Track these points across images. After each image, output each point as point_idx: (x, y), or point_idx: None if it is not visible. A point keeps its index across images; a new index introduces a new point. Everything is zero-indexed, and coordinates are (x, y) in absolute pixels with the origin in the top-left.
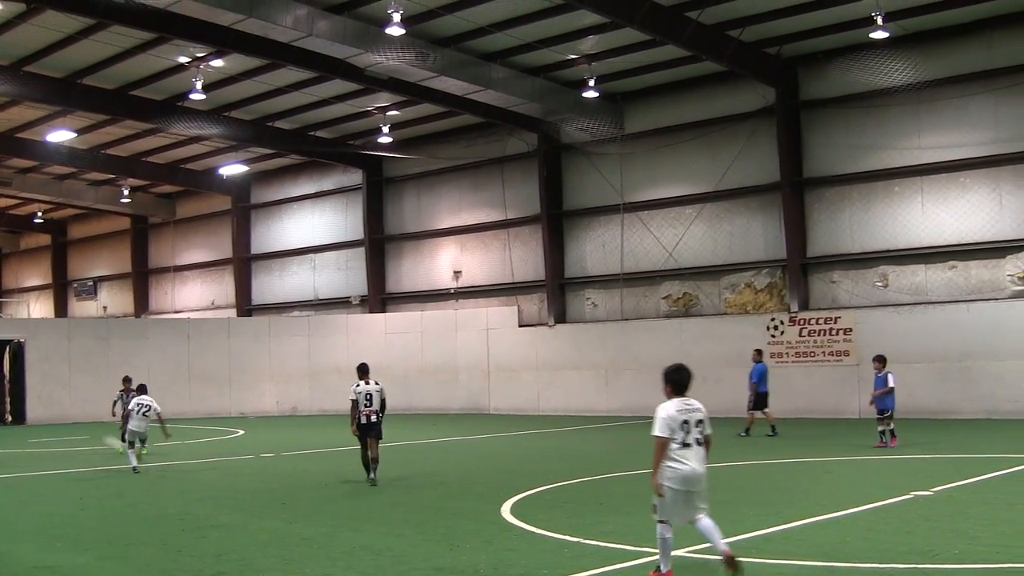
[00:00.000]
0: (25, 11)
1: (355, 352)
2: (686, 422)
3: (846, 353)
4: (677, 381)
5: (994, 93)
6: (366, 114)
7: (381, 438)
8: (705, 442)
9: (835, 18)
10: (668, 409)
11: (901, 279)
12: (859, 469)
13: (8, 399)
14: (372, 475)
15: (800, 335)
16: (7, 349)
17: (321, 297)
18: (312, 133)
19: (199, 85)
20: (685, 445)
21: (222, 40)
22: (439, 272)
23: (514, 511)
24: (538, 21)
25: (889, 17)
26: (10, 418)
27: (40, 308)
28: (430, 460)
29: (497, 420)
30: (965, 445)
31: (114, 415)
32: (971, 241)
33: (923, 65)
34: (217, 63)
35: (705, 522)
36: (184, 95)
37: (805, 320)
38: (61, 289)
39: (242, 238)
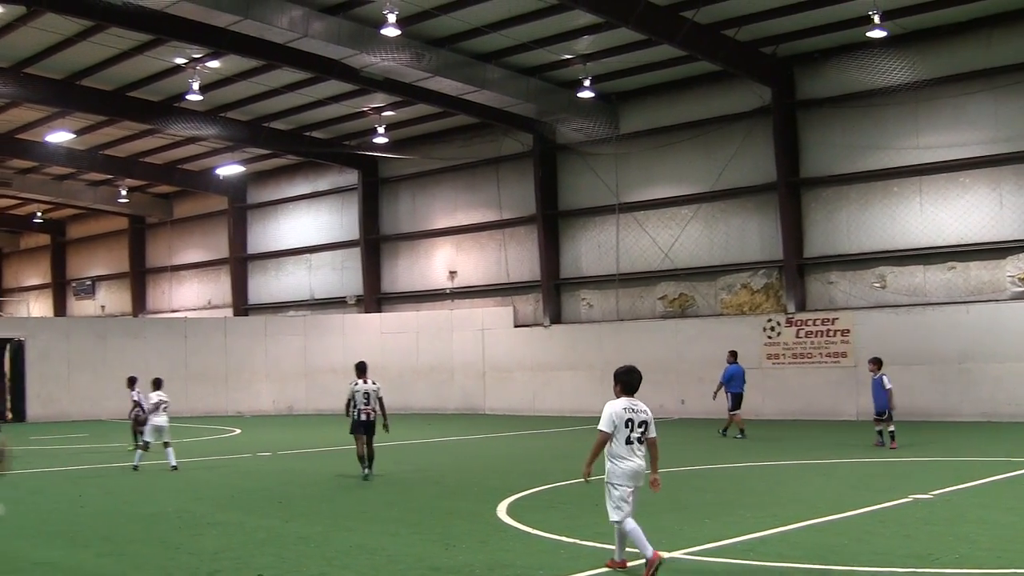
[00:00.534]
0: (25, 14)
1: (351, 352)
2: (630, 420)
3: (843, 355)
4: (627, 382)
5: (993, 92)
6: (362, 115)
7: (374, 434)
8: (650, 443)
9: (832, 17)
10: (615, 406)
11: (899, 280)
12: (857, 471)
13: (8, 397)
14: (367, 470)
15: (797, 336)
16: (7, 348)
17: (317, 297)
18: (308, 134)
19: (196, 86)
20: (628, 442)
21: (218, 41)
22: (435, 272)
23: (509, 511)
24: (533, 21)
25: (887, 16)
26: (10, 416)
27: (39, 307)
28: (425, 460)
29: (492, 420)
30: (964, 448)
31: (133, 415)
32: (971, 242)
33: (921, 64)
34: (213, 64)
35: (629, 524)
36: (181, 96)
37: (802, 321)
38: (60, 288)
39: (238, 238)
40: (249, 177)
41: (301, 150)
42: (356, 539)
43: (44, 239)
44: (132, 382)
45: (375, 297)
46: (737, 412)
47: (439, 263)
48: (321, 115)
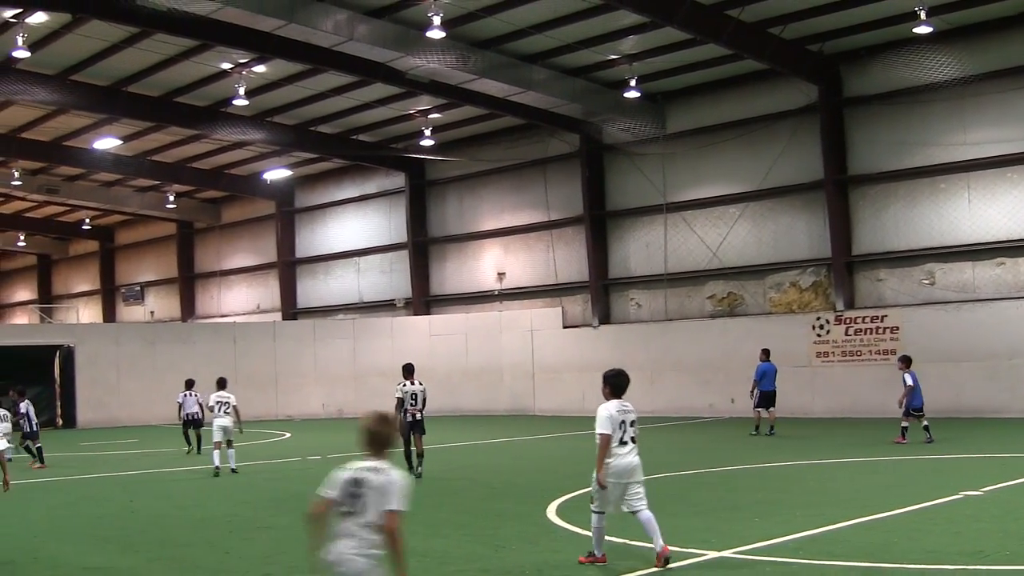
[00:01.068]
0: (70, 21)
1: (400, 354)
2: (623, 422)
3: (893, 352)
4: (616, 384)
5: None
6: (408, 117)
7: (424, 433)
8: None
9: (877, 14)
10: (609, 409)
11: (948, 276)
12: (906, 469)
13: (59, 403)
14: (418, 468)
15: (846, 334)
16: (57, 354)
17: (365, 300)
18: (354, 137)
19: (242, 91)
20: (622, 442)
21: (264, 46)
22: (483, 274)
23: (559, 512)
24: (578, 22)
25: (932, 12)
26: (61, 422)
27: (88, 313)
28: (474, 462)
29: (542, 421)
30: (1014, 444)
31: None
32: (1019, 237)
33: (967, 59)
34: (259, 69)
35: (645, 514)
36: (227, 101)
37: (851, 319)
38: (109, 294)
39: (287, 242)
40: (296, 181)
41: (348, 153)
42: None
43: (93, 245)
44: (189, 385)
45: (424, 299)
46: (772, 409)
47: (487, 265)
48: (367, 118)
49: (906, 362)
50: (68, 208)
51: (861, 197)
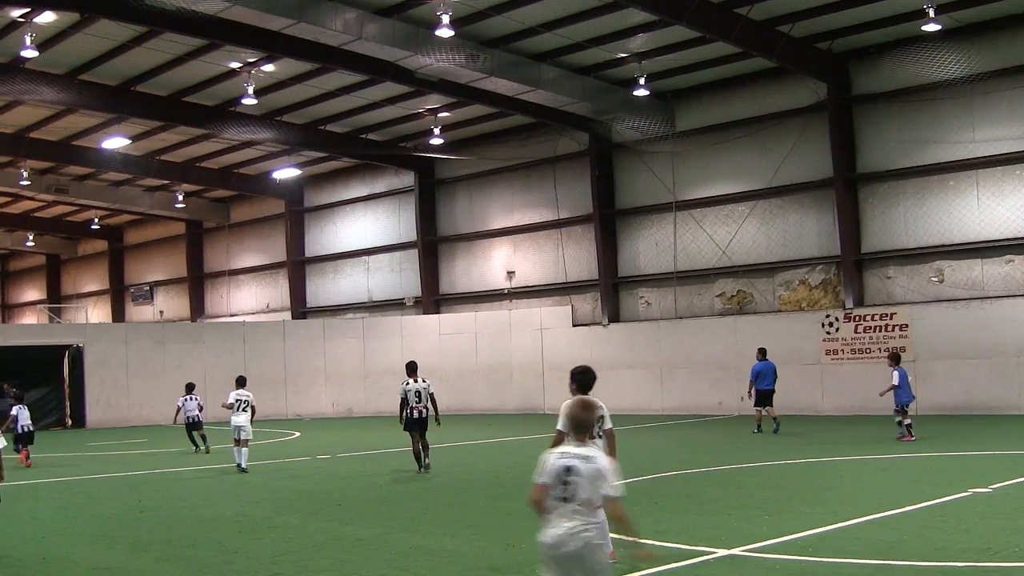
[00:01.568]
0: (79, 21)
1: (409, 354)
2: None
3: (902, 349)
4: (582, 381)
5: None
6: (417, 116)
7: (427, 429)
8: (608, 435)
9: (886, 12)
10: (572, 406)
11: (957, 274)
12: (915, 466)
13: (68, 403)
14: (426, 460)
15: (855, 332)
16: (66, 354)
17: (375, 299)
18: (363, 136)
19: (250, 90)
20: (589, 437)
21: (272, 45)
22: (492, 273)
23: None
24: (587, 20)
25: (940, 9)
26: (70, 422)
27: (98, 313)
28: (484, 460)
29: (551, 420)
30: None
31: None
32: None
33: (976, 57)
34: (268, 68)
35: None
36: (236, 100)
37: (860, 317)
38: (118, 294)
39: (296, 241)
40: (305, 180)
41: (357, 152)
42: (415, 540)
43: (102, 245)
44: (189, 388)
45: (433, 298)
46: (770, 408)
47: (497, 263)
48: (376, 117)
49: (895, 359)
50: (77, 208)
51: (870, 195)
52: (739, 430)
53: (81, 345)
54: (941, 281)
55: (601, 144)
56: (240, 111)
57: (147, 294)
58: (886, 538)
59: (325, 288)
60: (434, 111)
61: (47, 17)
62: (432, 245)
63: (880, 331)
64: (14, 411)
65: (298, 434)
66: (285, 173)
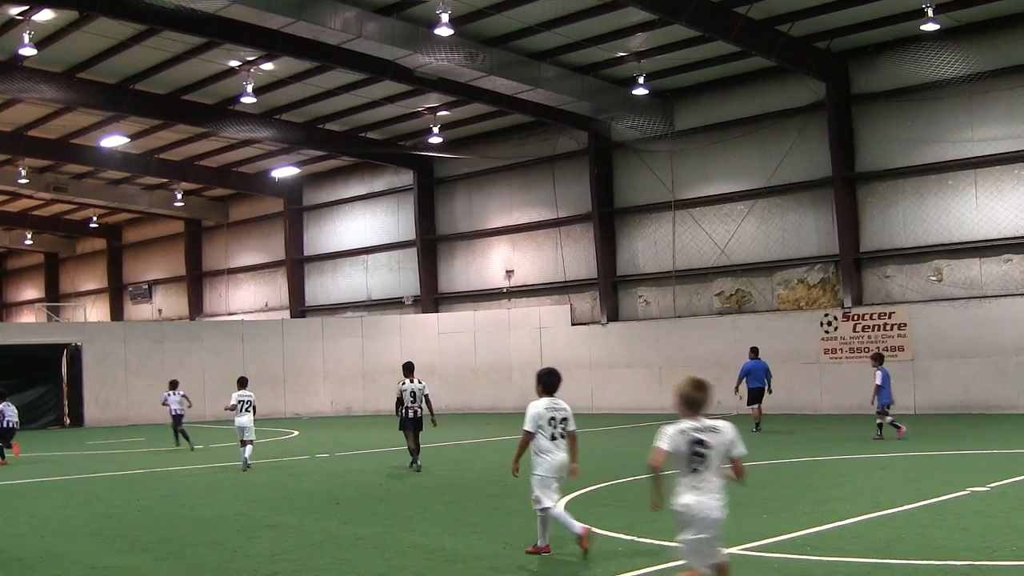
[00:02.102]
0: (77, 19)
1: (409, 352)
2: (553, 419)
3: (900, 348)
4: (548, 383)
5: None
6: (416, 115)
7: (421, 430)
8: (570, 436)
9: (885, 11)
10: (538, 407)
11: (956, 273)
12: (913, 465)
13: (66, 402)
14: (416, 462)
15: (854, 331)
16: (64, 353)
17: (374, 298)
18: (363, 135)
19: (250, 88)
20: (553, 438)
21: (272, 44)
22: (491, 271)
23: (568, 509)
24: (586, 19)
25: (939, 9)
26: (68, 421)
27: (96, 312)
28: (483, 459)
29: None
30: (1022, 441)
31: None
32: None
33: (975, 56)
34: (267, 66)
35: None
36: (235, 99)
37: (859, 316)
38: (116, 293)
39: (295, 240)
40: (305, 179)
41: (356, 151)
42: (414, 539)
43: (100, 244)
44: (173, 385)
45: (432, 297)
46: (756, 406)
47: (496, 262)
48: (376, 116)
49: (878, 360)
50: (75, 206)
51: (869, 194)
52: (737, 429)
53: (79, 344)
54: (940, 280)
55: (600, 143)
56: (239, 109)
57: (146, 293)
58: (884, 537)
59: (324, 287)
60: (433, 110)
61: (46, 15)
62: (431, 244)
63: (879, 330)
64: None
65: (297, 433)
66: (284, 172)
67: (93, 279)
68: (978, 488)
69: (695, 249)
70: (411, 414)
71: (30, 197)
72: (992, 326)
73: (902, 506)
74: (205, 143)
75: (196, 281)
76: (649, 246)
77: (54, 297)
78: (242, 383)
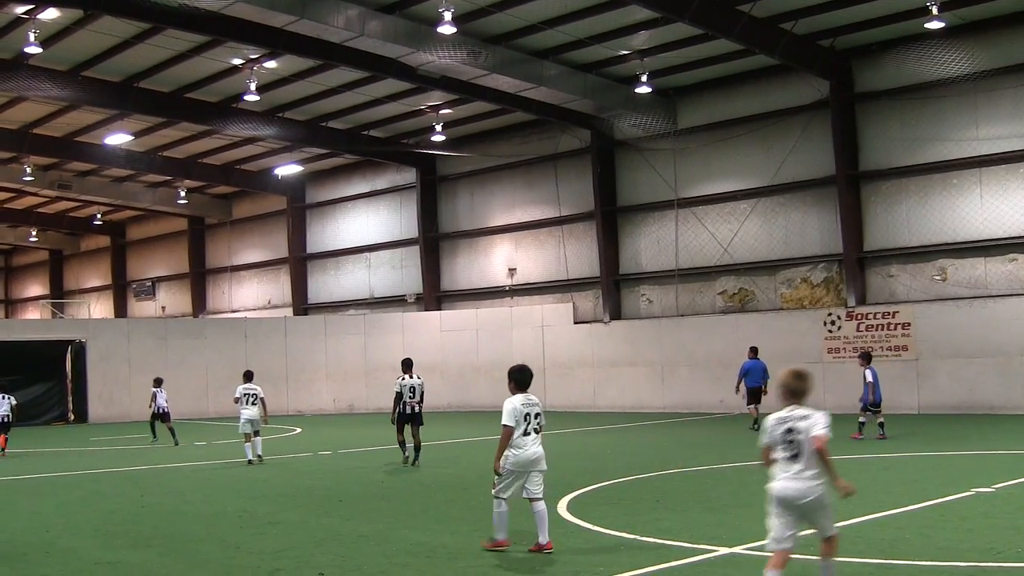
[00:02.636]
0: (82, 17)
1: (411, 350)
2: (527, 414)
3: (904, 348)
4: (520, 380)
5: None
6: (419, 113)
7: (423, 425)
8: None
9: (889, 9)
10: (515, 403)
11: (960, 272)
12: (917, 465)
13: (70, 398)
14: (415, 458)
15: (858, 330)
16: (68, 349)
17: (376, 295)
18: (365, 132)
19: (253, 87)
20: (525, 433)
21: (275, 42)
22: (494, 270)
23: (570, 508)
24: (589, 17)
25: (944, 7)
26: (72, 417)
27: (100, 309)
28: (485, 457)
29: (553, 417)
30: None
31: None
32: None
33: (980, 54)
34: (270, 64)
35: (539, 507)
36: (238, 97)
37: (862, 315)
38: (120, 290)
39: (298, 238)
40: (307, 177)
41: (359, 149)
42: (416, 537)
43: (104, 241)
44: (158, 383)
45: (435, 295)
46: (753, 406)
47: (498, 260)
48: (378, 114)
49: (866, 359)
50: (80, 203)
51: (873, 193)
52: (740, 428)
53: (83, 340)
54: (944, 280)
55: (603, 141)
56: (242, 107)
57: (149, 290)
58: (888, 537)
59: (327, 284)
60: (436, 108)
61: (51, 14)
62: (434, 242)
63: (882, 329)
64: None
65: (299, 430)
66: (287, 169)
67: (97, 276)
68: (983, 489)
69: (698, 248)
70: (410, 409)
71: (35, 194)
72: (997, 326)
73: (906, 506)
74: (208, 141)
75: (199, 278)
76: (652, 244)
77: (58, 294)
78: (248, 376)
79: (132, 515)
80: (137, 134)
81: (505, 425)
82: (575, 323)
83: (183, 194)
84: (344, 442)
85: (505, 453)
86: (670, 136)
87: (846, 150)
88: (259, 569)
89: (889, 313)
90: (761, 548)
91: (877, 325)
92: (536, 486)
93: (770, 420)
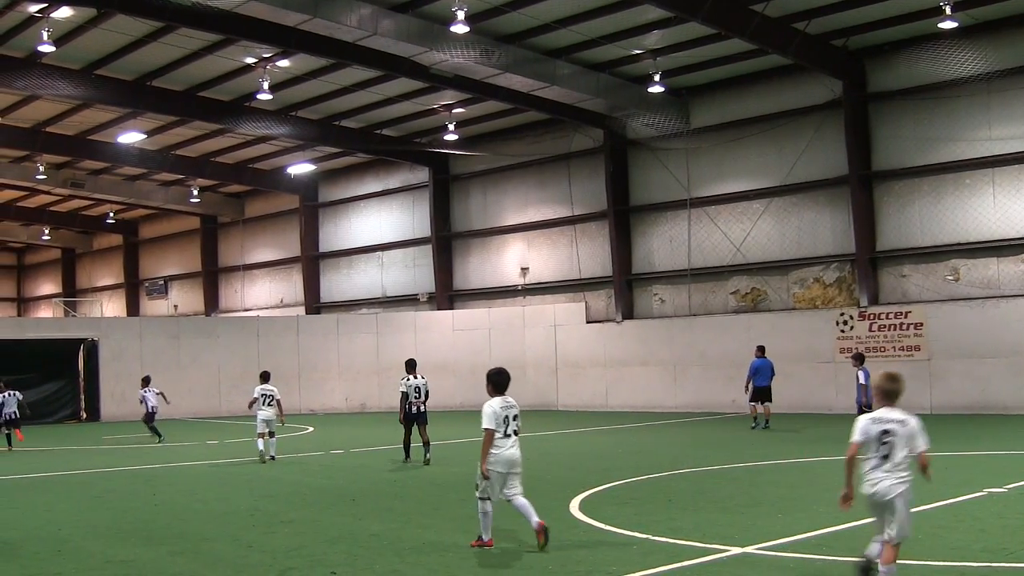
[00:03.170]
0: (95, 16)
1: (423, 349)
2: (507, 416)
3: (917, 348)
4: (498, 382)
5: None
6: (431, 112)
7: (427, 423)
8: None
9: (902, 8)
10: (494, 405)
11: (973, 272)
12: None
13: (83, 397)
14: (426, 453)
15: (870, 330)
16: (81, 348)
17: (389, 294)
18: (378, 131)
19: (266, 85)
20: (506, 435)
21: (288, 40)
22: (506, 269)
23: (582, 507)
24: (602, 16)
25: (957, 7)
26: (85, 415)
27: (112, 307)
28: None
29: (565, 416)
30: None
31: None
32: None
33: (993, 54)
34: (283, 63)
35: (520, 500)
36: (251, 95)
37: (875, 315)
38: (133, 288)
39: (310, 236)
40: (320, 175)
41: (372, 148)
42: (428, 536)
43: (116, 239)
44: (146, 382)
45: (447, 294)
46: (767, 404)
47: (510, 260)
48: (391, 113)
49: (859, 360)
50: (92, 202)
51: (885, 192)
52: (757, 426)
53: (96, 339)
54: (957, 280)
55: (616, 141)
56: (255, 106)
57: (162, 288)
58: None
59: (339, 283)
60: (449, 107)
61: (64, 12)
62: (446, 241)
63: (895, 329)
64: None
65: (311, 429)
66: (300, 168)
67: (109, 274)
68: (995, 489)
69: (710, 247)
70: (415, 409)
71: (48, 193)
72: (1009, 326)
73: (918, 507)
74: (221, 139)
75: (211, 277)
76: (664, 244)
77: (71, 292)
78: (264, 377)
79: (144, 513)
80: (150, 133)
81: (486, 428)
82: (587, 322)
83: (196, 192)
84: (356, 441)
85: (488, 455)
86: (683, 136)
87: (859, 150)
88: (271, 568)
89: (901, 313)
90: (775, 548)
91: (889, 325)
92: (512, 488)
93: (864, 420)
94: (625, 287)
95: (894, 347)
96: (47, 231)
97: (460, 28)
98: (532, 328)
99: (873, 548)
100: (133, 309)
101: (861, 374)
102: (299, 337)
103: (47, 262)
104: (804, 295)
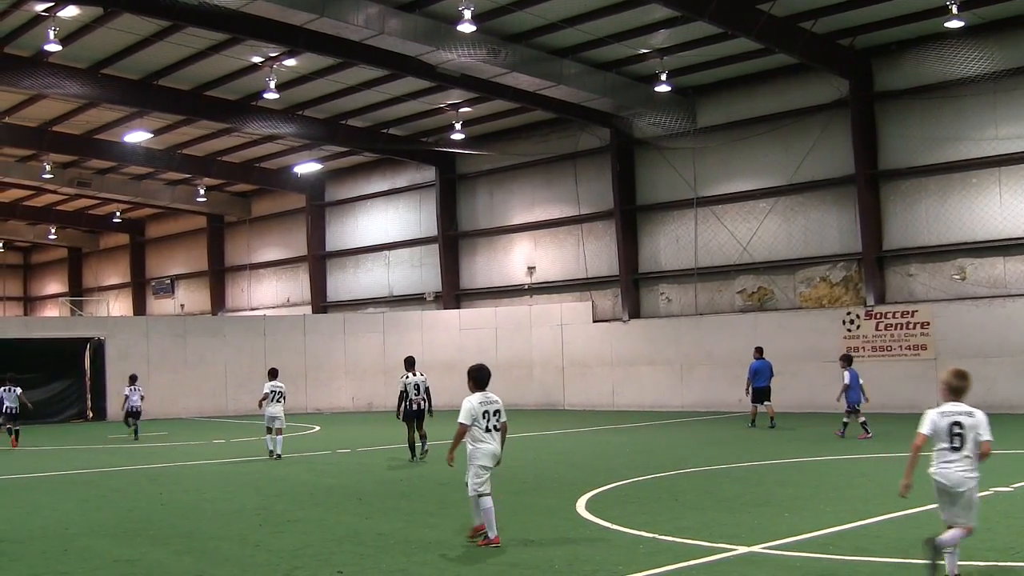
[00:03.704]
0: (102, 15)
1: (430, 348)
2: (487, 412)
3: (923, 347)
4: (479, 379)
5: None
6: (438, 111)
7: (423, 420)
8: (501, 428)
9: (909, 8)
10: (472, 401)
11: (979, 272)
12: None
13: (89, 395)
14: (424, 448)
15: (876, 329)
16: (87, 347)
17: (395, 294)
18: (385, 131)
19: (272, 84)
20: (488, 430)
21: (295, 40)
22: (513, 268)
23: (589, 507)
24: (609, 16)
25: (964, 6)
26: (91, 414)
27: (119, 306)
28: (504, 456)
29: (571, 416)
30: None
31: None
32: None
33: (1000, 54)
34: (290, 62)
35: (487, 503)
36: (258, 95)
37: (881, 314)
38: (139, 287)
39: (317, 235)
40: (327, 175)
41: (378, 147)
42: (435, 535)
43: (123, 239)
44: (132, 380)
45: (453, 293)
46: (768, 403)
47: (517, 259)
48: (398, 112)
49: (846, 361)
50: (99, 201)
51: (892, 192)
52: (759, 427)
53: (102, 338)
54: (963, 279)
55: (622, 140)
56: (262, 105)
57: (168, 287)
58: (907, 536)
59: (345, 282)
60: (455, 106)
61: (70, 11)
62: (453, 240)
63: (901, 329)
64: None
65: (318, 428)
66: (306, 167)
67: (116, 274)
68: (1002, 488)
69: (717, 246)
70: (415, 406)
71: (54, 192)
72: (1016, 325)
73: (925, 506)
74: (228, 139)
75: (218, 276)
76: (671, 243)
77: (77, 291)
78: (273, 374)
79: (150, 513)
80: (156, 132)
81: (461, 423)
82: (594, 322)
83: (202, 192)
84: (363, 440)
85: (474, 451)
86: (689, 135)
87: (865, 149)
88: (277, 567)
89: (908, 312)
90: (781, 547)
91: (896, 324)
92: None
93: (932, 413)
94: (632, 286)
95: (901, 346)
96: (53, 230)
97: (467, 27)
98: (539, 327)
99: (951, 533)
100: (140, 308)
101: (847, 374)
102: (306, 336)
103: (53, 261)
104: (811, 294)
